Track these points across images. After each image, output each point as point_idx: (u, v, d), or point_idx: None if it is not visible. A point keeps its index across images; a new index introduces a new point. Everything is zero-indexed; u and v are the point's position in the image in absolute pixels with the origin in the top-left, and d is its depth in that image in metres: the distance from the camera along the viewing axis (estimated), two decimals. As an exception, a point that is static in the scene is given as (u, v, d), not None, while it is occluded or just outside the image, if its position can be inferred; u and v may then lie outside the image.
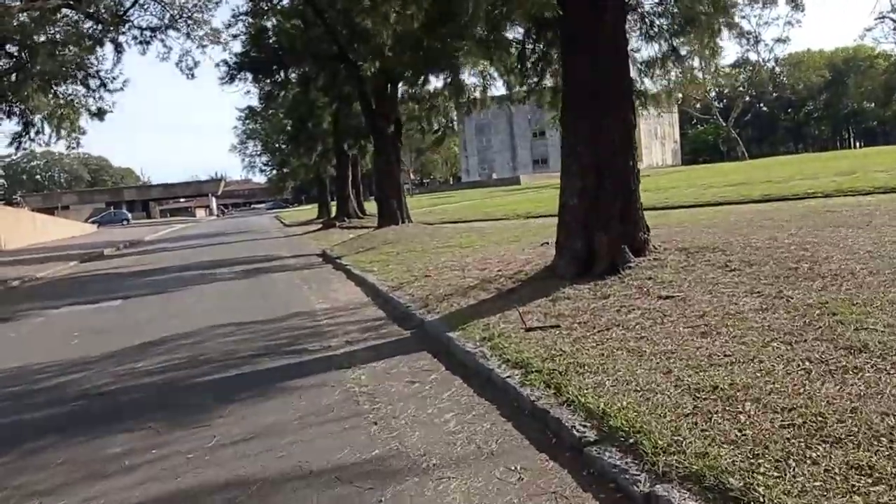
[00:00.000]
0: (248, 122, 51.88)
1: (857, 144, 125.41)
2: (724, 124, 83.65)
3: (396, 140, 20.92)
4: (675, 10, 8.82)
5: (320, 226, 32.27)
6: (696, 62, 10.35)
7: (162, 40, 24.73)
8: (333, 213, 39.80)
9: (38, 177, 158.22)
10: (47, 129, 24.71)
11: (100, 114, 26.54)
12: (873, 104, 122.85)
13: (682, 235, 9.97)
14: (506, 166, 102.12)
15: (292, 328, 8.60)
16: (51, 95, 23.30)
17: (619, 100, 8.16)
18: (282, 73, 26.82)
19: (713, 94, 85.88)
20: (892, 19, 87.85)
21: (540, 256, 10.07)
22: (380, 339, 7.51)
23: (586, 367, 5.03)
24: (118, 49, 24.13)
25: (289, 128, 42.81)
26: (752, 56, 76.36)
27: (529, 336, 6.15)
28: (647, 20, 9.26)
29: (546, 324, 6.45)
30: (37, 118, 23.85)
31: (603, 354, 5.30)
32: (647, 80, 10.05)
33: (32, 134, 24.08)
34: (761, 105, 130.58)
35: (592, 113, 8.14)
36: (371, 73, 18.97)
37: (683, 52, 9.32)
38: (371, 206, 41.26)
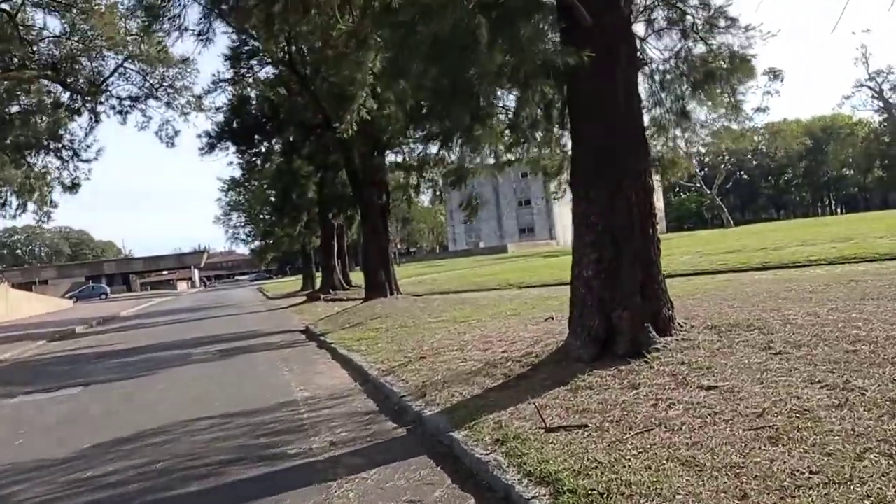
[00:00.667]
0: (230, 193, 51.36)
1: (838, 210, 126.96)
2: (708, 192, 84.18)
3: (385, 209, 20.13)
4: (690, 65, 8.10)
5: (304, 298, 31.16)
6: (707, 121, 9.62)
7: (142, 110, 24.18)
8: (318, 285, 38.79)
9: (18, 251, 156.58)
10: (14, 202, 23.75)
11: (73, 187, 25.70)
12: (852, 171, 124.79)
13: (704, 310, 9.04)
14: (493, 235, 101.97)
15: (270, 423, 7.50)
16: (23, 167, 22.42)
17: (637, 163, 7.35)
18: (265, 144, 26.28)
19: (695, 161, 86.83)
20: (870, 87, 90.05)
21: (547, 334, 9.10)
22: (371, 440, 6.44)
23: (634, 488, 4.01)
24: (96, 119, 23.50)
25: (272, 198, 42.22)
26: (735, 126, 77.18)
27: (552, 438, 5.12)
28: (656, 77, 8.56)
29: (570, 422, 5.42)
30: (4, 190, 22.90)
31: (650, 468, 4.28)
32: (658, 144, 9.27)
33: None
34: (742, 173, 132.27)
35: (608, 178, 7.30)
36: (356, 140, 18.30)
37: (698, 113, 8.61)
38: (357, 277, 40.40)
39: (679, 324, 7.58)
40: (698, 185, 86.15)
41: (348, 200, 24.92)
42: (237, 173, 46.03)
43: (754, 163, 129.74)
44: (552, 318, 10.85)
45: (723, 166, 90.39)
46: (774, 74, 60.76)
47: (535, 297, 17.14)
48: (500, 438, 5.34)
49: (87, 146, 23.01)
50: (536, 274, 28.04)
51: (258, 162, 28.18)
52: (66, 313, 42.48)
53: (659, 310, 7.32)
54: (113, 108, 23.75)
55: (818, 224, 45.26)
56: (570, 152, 8.41)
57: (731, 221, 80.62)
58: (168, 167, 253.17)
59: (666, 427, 4.94)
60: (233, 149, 20.91)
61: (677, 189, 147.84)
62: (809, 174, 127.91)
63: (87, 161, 23.55)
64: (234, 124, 19.21)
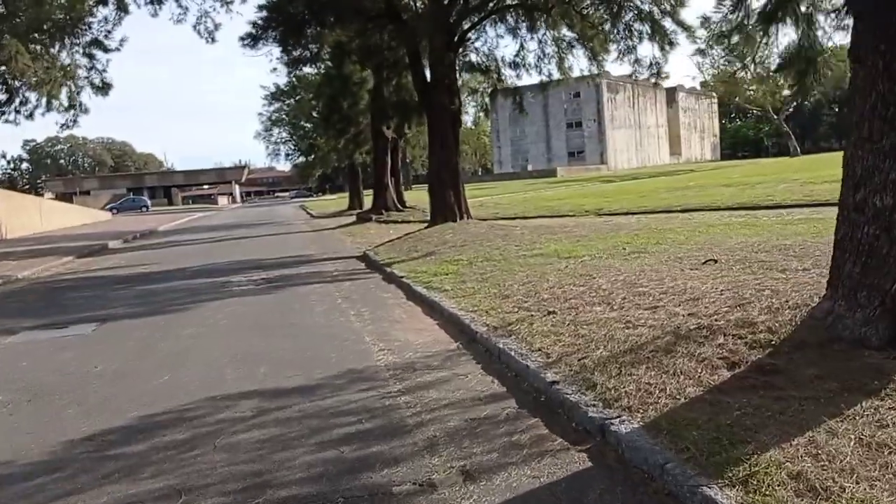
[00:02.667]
0: (273, 104, 48.49)
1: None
2: (775, 117, 78.60)
3: (456, 117, 17.12)
4: None
5: (353, 219, 28.58)
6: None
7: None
8: (366, 205, 36.19)
9: (62, 161, 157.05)
10: (32, 99, 21.21)
11: (103, 87, 23.09)
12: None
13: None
14: (541, 157, 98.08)
15: (347, 414, 4.91)
16: (45, 59, 19.73)
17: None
18: (313, 46, 23.19)
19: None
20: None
21: (747, 288, 6.30)
22: (526, 467, 3.80)
23: None
24: (122, 8, 20.56)
25: (316, 111, 39.21)
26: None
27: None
28: None
29: None
30: (19, 86, 20.33)
31: None
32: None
33: (17, 104, 20.57)
34: (798, 101, 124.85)
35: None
36: (428, 30, 15.22)
37: None
38: (414, 196, 37.51)
39: None
40: (766, 110, 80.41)
41: (412, 108, 21.85)
42: (282, 80, 43.18)
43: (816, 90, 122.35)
44: (713, 262, 8.02)
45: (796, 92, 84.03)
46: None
47: (639, 226, 14.26)
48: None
49: (108, 32, 20.09)
50: (613, 199, 25.02)
51: (305, 64, 25.10)
52: (103, 226, 40.73)
53: None
54: (143, -7, 20.80)
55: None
56: None
57: (798, 150, 75.34)
58: (212, 80, 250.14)
59: None
60: (278, 48, 17.92)
61: (732, 115, 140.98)
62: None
63: (108, 51, 20.76)
64: (282, 9, 16.17)
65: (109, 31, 19.96)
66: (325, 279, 12.33)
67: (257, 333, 7.96)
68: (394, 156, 30.74)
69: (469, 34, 16.78)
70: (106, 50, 20.77)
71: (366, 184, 42.07)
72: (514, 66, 17.76)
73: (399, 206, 29.61)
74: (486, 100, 29.39)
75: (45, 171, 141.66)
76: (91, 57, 22.68)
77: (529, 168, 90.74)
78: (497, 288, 8.67)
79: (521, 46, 18.46)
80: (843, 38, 6.84)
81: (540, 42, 17.64)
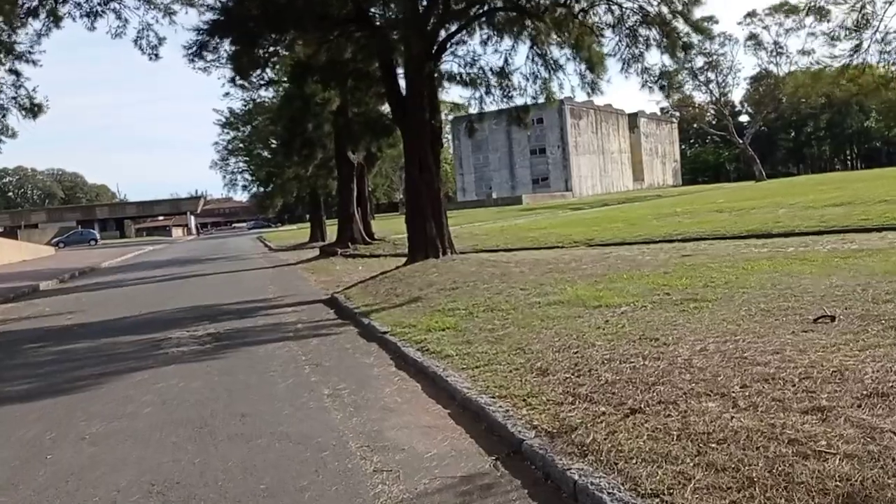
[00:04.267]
0: (228, 132, 45.80)
1: (859, 165, 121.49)
2: (740, 141, 78.21)
3: (437, 135, 14.87)
4: None
5: (317, 252, 26.05)
6: None
7: (115, 10, 18.84)
8: (329, 236, 33.70)
9: (10, 194, 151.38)
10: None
11: (33, 109, 20.53)
12: (874, 123, 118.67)
13: None
14: (504, 185, 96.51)
15: None
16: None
17: None
18: (271, 55, 20.88)
19: (727, 109, 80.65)
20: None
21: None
22: None
23: None
24: (55, 20, 18.15)
25: (274, 138, 36.76)
26: (773, 68, 71.35)
27: None
28: None
29: None
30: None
31: None
32: None
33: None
34: (760, 125, 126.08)
35: None
36: (405, 39, 12.99)
37: None
38: (378, 227, 34.97)
39: None
40: (729, 133, 79.99)
41: (384, 127, 19.54)
42: (236, 104, 40.69)
43: (773, 114, 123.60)
44: (828, 319, 5.88)
45: (759, 115, 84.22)
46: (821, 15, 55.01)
47: (655, 261, 12.17)
48: None
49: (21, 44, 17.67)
50: (600, 228, 23.05)
51: (260, 87, 22.82)
52: (42, 262, 37.44)
53: None
54: (78, 5, 18.41)
55: (864, 178, 39.61)
56: None
57: (764, 174, 74.86)
58: (166, 112, 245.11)
59: None
60: (228, 45, 15.51)
61: (692, 140, 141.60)
62: (832, 126, 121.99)
63: (31, 62, 18.31)
64: (233, 13, 13.84)
65: (35, 43, 17.50)
66: (286, 334, 9.92)
67: (192, 435, 5.53)
68: (360, 183, 28.21)
69: (449, 42, 14.64)
70: (23, 59, 18.31)
71: (328, 213, 39.55)
72: (502, 74, 15.59)
73: (366, 238, 27.14)
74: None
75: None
76: (17, 74, 20.14)
77: (494, 196, 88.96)
78: (522, 354, 6.41)
79: (506, 61, 16.41)
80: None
81: (532, 57, 15.58)
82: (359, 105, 21.17)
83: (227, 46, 15.29)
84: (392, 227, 37.58)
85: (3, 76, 19.68)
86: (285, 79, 26.70)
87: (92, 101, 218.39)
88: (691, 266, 10.78)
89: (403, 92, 14.82)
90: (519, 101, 16.33)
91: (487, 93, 15.65)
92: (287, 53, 20.13)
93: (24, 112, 21.65)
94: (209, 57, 15.61)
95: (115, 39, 19.06)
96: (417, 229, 14.66)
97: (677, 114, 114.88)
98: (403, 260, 16.83)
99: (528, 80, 16.54)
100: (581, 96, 18.24)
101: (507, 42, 15.61)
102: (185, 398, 6.71)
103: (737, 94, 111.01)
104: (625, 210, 35.23)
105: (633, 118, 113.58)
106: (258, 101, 36.94)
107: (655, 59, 17.03)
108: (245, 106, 38.49)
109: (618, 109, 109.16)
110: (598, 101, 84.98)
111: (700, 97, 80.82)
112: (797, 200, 24.81)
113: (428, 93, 14.34)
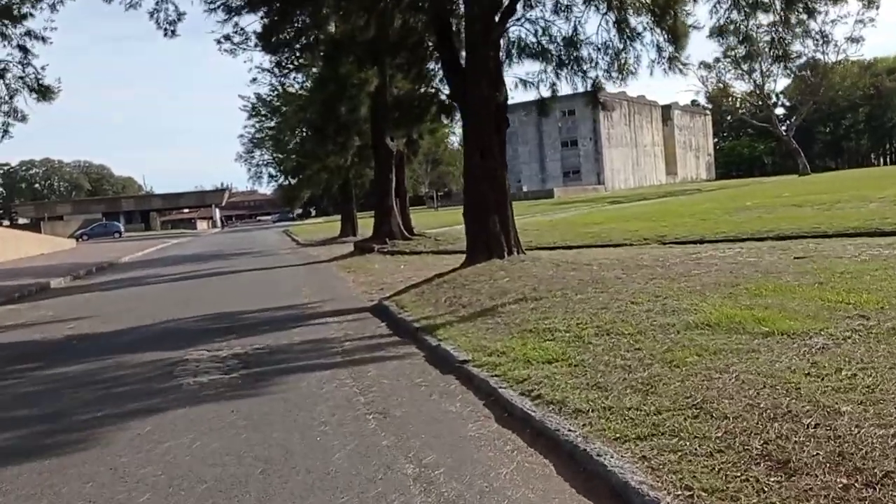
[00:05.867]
0: (254, 121, 43.92)
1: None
2: (783, 133, 74.92)
3: (502, 114, 12.58)
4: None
5: (350, 248, 23.90)
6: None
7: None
8: (361, 231, 31.60)
9: (36, 185, 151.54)
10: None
11: (42, 91, 18.68)
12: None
13: None
14: (534, 178, 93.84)
15: None
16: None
17: None
18: (302, 39, 18.83)
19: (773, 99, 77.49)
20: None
21: None
22: None
23: None
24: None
25: (300, 128, 34.82)
26: (819, 56, 67.89)
27: None
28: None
29: None
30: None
31: None
32: None
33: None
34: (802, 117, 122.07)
35: None
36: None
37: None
38: (421, 219, 32.77)
39: None
40: (772, 126, 76.70)
41: (439, 105, 17.19)
42: (262, 89, 38.72)
43: (813, 106, 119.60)
44: None
45: (805, 106, 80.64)
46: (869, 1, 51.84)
47: (772, 266, 9.82)
48: None
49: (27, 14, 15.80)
50: (664, 223, 20.66)
51: (292, 67, 20.72)
52: (59, 256, 35.80)
53: None
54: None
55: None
56: None
57: (808, 168, 71.58)
58: (192, 103, 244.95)
59: None
60: (258, 11, 13.38)
61: (725, 133, 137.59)
62: (871, 119, 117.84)
63: (43, 40, 16.42)
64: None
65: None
66: (333, 358, 7.77)
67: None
68: (399, 173, 25.84)
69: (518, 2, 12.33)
70: (39, 38, 16.37)
71: (357, 206, 37.39)
72: (572, 44, 13.27)
73: (405, 233, 24.81)
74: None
75: (20, 195, 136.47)
76: (25, 51, 18.29)
77: (524, 189, 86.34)
78: (707, 419, 4.17)
79: (575, 29, 14.13)
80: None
81: (605, 24, 13.27)
82: (403, 85, 18.88)
83: (256, 25, 13.16)
84: (424, 222, 35.37)
85: (11, 52, 17.78)
86: (318, 63, 24.62)
87: (121, 93, 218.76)
88: (840, 273, 8.43)
89: (463, 64, 12.60)
90: (591, 76, 13.99)
91: (560, 66, 13.32)
92: (318, 34, 18.06)
93: (34, 94, 19.82)
94: (236, 39, 13.46)
95: (129, 11, 16.95)
96: (479, 225, 12.39)
97: (710, 105, 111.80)
98: (449, 258, 14.60)
99: (599, 50, 14.30)
100: (611, 88, 15.93)
101: (579, 6, 13.34)
102: (200, 474, 4.55)
103: (778, 85, 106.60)
104: (684, 204, 32.73)
105: (667, 110, 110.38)
106: (287, 86, 34.91)
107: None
108: (273, 92, 36.50)
109: (651, 101, 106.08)
110: (631, 91, 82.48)
111: (742, 86, 77.18)
112: (884, 194, 22.24)
113: (493, 65, 12.09)
